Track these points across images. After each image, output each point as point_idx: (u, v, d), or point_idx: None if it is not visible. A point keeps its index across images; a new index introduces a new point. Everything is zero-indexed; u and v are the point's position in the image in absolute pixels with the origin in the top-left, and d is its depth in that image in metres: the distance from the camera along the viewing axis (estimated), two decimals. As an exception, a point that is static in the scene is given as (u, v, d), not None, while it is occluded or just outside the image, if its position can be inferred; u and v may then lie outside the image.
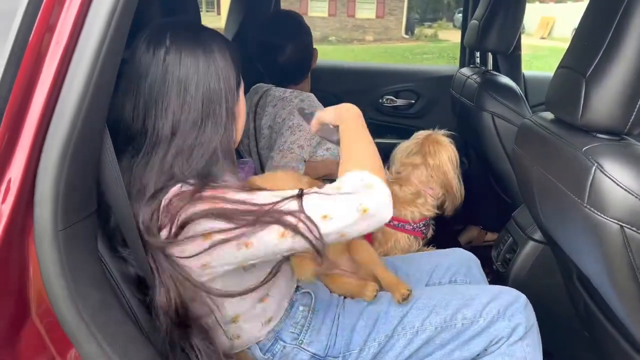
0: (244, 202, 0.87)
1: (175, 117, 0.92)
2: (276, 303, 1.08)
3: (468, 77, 2.17)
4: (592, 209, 0.94)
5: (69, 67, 0.75)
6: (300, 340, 1.10)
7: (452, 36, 14.14)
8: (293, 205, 0.86)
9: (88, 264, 0.85)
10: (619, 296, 1.00)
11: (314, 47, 1.87)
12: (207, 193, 0.88)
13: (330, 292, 1.24)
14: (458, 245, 2.20)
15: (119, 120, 0.93)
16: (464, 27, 2.60)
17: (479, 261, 1.49)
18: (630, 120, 0.97)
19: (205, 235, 0.86)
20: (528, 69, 2.65)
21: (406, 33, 17.42)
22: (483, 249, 2.14)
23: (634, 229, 0.91)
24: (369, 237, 1.80)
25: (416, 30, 17.28)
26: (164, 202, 0.89)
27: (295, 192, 0.88)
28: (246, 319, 1.05)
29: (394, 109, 2.79)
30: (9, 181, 0.75)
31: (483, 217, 2.53)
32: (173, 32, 0.93)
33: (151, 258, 0.91)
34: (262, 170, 1.82)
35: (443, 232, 1.97)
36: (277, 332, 1.09)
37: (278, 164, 1.68)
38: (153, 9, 1.32)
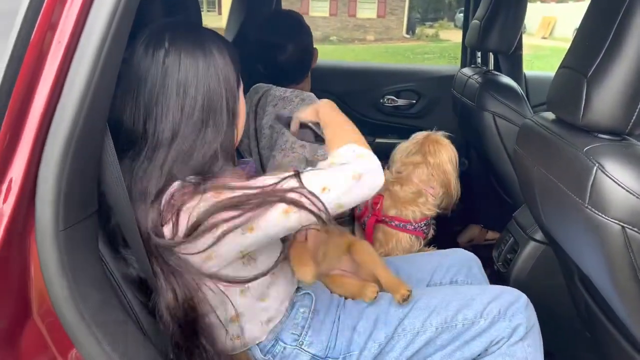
0: (247, 187, 0.88)
1: (175, 120, 0.92)
2: (276, 303, 1.08)
3: (469, 77, 2.17)
4: (593, 209, 0.94)
5: (70, 66, 0.76)
6: (301, 341, 1.09)
7: (453, 36, 14.12)
8: (293, 182, 0.88)
9: (89, 264, 0.86)
10: (620, 296, 1.00)
11: (314, 46, 1.88)
12: (209, 184, 0.89)
13: (331, 292, 1.24)
14: (458, 245, 2.20)
15: (120, 122, 0.93)
16: (465, 27, 2.60)
17: (480, 261, 1.49)
18: (632, 121, 0.96)
19: (214, 227, 0.87)
20: (529, 69, 2.65)
21: (407, 33, 17.41)
22: (484, 249, 2.13)
23: (635, 229, 0.91)
24: (370, 238, 1.80)
25: (417, 30, 17.26)
26: (165, 198, 0.90)
27: (291, 172, 0.90)
28: (247, 319, 1.05)
29: (395, 108, 2.79)
30: (10, 181, 0.75)
31: (484, 217, 2.54)
32: (172, 34, 0.93)
33: (154, 259, 0.91)
34: (263, 170, 1.82)
35: (443, 232, 1.97)
36: (278, 333, 1.09)
37: (280, 163, 1.68)
38: (154, 9, 1.31)
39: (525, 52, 2.54)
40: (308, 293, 1.16)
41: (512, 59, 2.45)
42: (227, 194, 0.87)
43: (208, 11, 14.82)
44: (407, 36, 17.22)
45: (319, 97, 1.81)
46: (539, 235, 1.56)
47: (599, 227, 0.94)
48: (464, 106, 2.18)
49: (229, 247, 0.90)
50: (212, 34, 0.99)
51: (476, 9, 2.14)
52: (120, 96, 0.92)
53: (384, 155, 1.97)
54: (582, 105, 1.00)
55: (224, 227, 0.86)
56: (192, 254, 0.90)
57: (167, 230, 0.89)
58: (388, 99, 2.78)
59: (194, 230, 0.87)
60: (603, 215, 0.93)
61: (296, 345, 1.09)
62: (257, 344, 1.09)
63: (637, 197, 0.89)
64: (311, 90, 1.89)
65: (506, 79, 2.10)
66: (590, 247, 1.02)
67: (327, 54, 10.70)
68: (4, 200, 0.75)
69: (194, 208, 0.87)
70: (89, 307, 0.80)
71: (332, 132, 1.06)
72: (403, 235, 1.77)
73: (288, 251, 1.13)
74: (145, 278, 0.95)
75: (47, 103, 0.75)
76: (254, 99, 1.87)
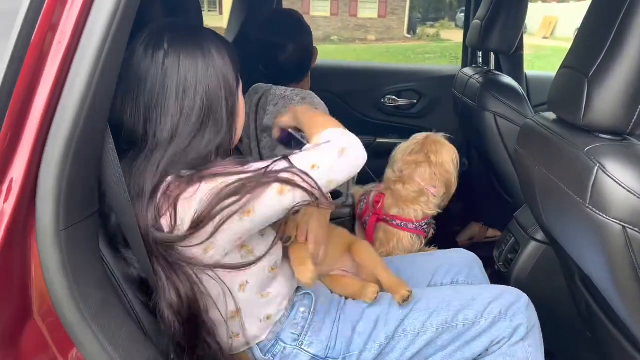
0: (241, 172, 0.90)
1: (174, 121, 0.92)
2: (276, 301, 1.08)
3: (470, 77, 2.17)
4: (594, 209, 0.94)
5: (71, 66, 0.76)
6: (301, 341, 1.09)
7: (454, 36, 14.10)
8: (283, 164, 0.92)
9: (90, 264, 0.86)
10: (621, 296, 1.00)
11: (314, 46, 1.88)
12: (203, 173, 0.91)
13: (331, 292, 1.24)
14: (458, 245, 2.20)
15: (120, 123, 0.93)
16: (466, 27, 2.60)
17: (481, 261, 1.49)
18: (633, 121, 0.96)
19: (215, 217, 0.88)
20: (530, 69, 2.65)
21: (408, 33, 17.39)
22: (485, 248, 2.13)
23: (636, 229, 0.90)
24: (371, 237, 1.80)
25: (418, 30, 17.25)
26: (160, 191, 0.90)
27: (280, 157, 0.94)
28: (246, 315, 1.05)
29: (396, 108, 2.79)
30: (11, 180, 0.75)
31: (485, 216, 2.54)
32: (171, 35, 0.94)
33: (155, 259, 0.91)
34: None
35: (443, 231, 1.97)
36: (277, 333, 1.09)
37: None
38: (155, 9, 1.32)
39: (527, 52, 2.54)
40: (308, 293, 1.16)
41: (513, 59, 2.45)
42: (221, 180, 0.89)
43: (209, 11, 14.84)
44: (408, 36, 17.20)
45: (321, 97, 1.82)
46: (539, 235, 1.55)
47: (599, 227, 0.94)
48: (465, 106, 2.18)
49: (227, 234, 0.91)
50: (211, 33, 0.99)
51: (477, 9, 2.13)
52: (120, 97, 0.92)
53: (385, 155, 1.98)
54: (583, 105, 1.00)
55: (224, 213, 0.88)
56: (193, 245, 0.90)
57: (165, 222, 0.90)
58: (389, 99, 2.78)
59: (198, 225, 0.88)
60: (604, 215, 0.92)
61: (296, 345, 1.09)
62: (257, 344, 1.09)
63: (638, 197, 0.89)
64: (312, 90, 1.90)
65: (507, 79, 2.10)
66: (591, 247, 1.02)
67: (328, 54, 10.71)
68: (5, 200, 0.75)
69: (191, 198, 0.88)
70: (90, 307, 0.80)
71: (313, 124, 1.08)
72: (404, 235, 1.77)
73: (288, 251, 1.13)
74: (146, 278, 0.95)
75: (48, 103, 0.75)
76: (254, 99, 1.87)
